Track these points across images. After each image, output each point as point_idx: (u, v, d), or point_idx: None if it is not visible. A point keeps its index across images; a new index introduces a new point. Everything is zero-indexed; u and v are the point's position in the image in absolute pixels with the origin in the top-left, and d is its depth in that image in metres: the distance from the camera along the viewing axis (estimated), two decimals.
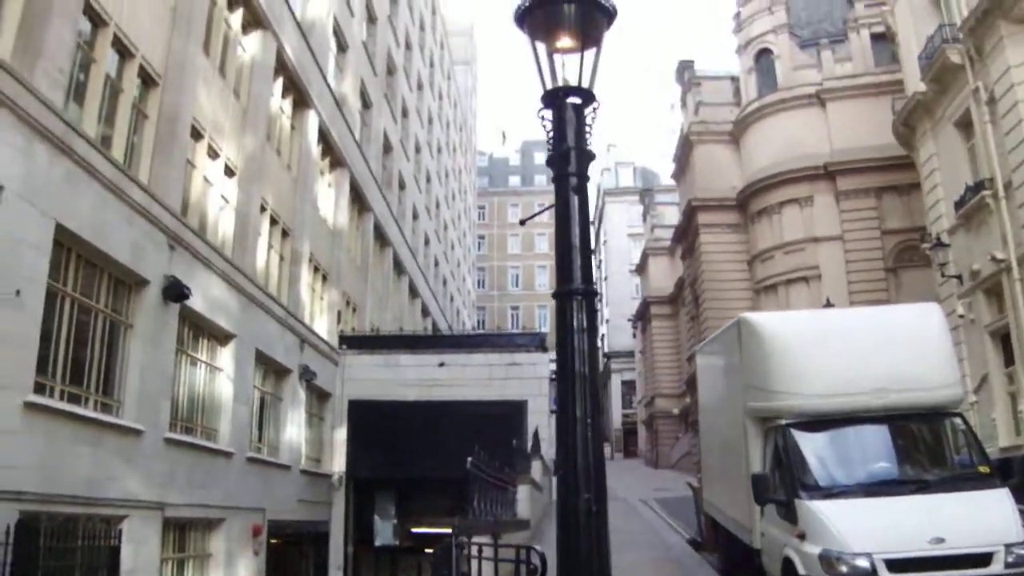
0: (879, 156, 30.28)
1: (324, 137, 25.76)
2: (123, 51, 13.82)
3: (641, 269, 59.42)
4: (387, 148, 35.92)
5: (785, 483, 9.61)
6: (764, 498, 9.73)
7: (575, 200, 4.83)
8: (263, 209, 20.62)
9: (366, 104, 31.94)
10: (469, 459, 8.38)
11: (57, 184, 11.35)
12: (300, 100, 23.55)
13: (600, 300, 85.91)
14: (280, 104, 22.36)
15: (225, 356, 17.91)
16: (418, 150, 44.97)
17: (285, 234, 22.67)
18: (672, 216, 50.41)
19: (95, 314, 12.89)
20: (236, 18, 19.09)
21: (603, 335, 71.72)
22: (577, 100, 4.80)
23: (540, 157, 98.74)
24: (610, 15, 4.90)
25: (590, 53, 4.84)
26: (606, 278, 73.41)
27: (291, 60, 21.90)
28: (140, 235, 13.70)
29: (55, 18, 11.17)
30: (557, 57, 4.88)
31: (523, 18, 4.99)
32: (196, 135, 16.70)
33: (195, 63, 15.93)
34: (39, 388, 11.06)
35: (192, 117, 16.03)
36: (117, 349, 13.52)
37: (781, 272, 33.02)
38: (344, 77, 28.51)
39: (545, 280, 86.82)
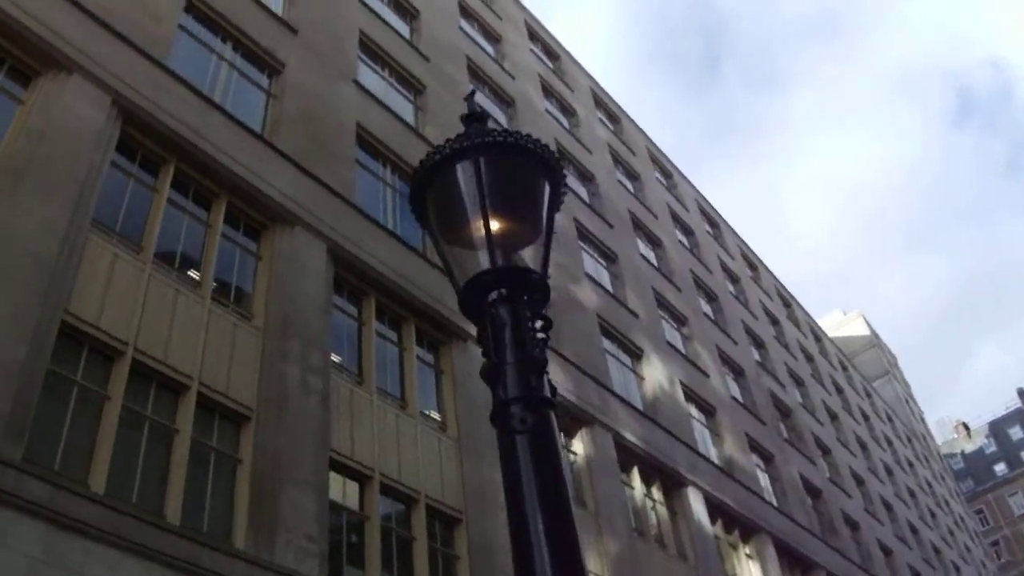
0: None
1: (719, 510, 23.14)
2: (402, 497, 13.05)
3: None
4: (812, 492, 32.01)
5: None
6: None
7: (524, 447, 2.63)
8: None
9: (764, 456, 29.10)
10: None
11: None
12: (668, 481, 21.54)
13: None
14: (643, 492, 20.46)
15: None
16: (860, 482, 40.23)
17: None
18: None
19: None
20: None
21: None
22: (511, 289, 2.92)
23: (1018, 432, 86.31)
24: (554, 175, 3.15)
25: (535, 242, 3.07)
26: None
27: (639, 445, 20.38)
28: None
29: (287, 486, 10.75)
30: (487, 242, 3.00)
31: (418, 201, 3.20)
32: None
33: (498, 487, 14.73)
34: None
35: None
36: None
37: None
38: (722, 438, 26.37)
39: None
